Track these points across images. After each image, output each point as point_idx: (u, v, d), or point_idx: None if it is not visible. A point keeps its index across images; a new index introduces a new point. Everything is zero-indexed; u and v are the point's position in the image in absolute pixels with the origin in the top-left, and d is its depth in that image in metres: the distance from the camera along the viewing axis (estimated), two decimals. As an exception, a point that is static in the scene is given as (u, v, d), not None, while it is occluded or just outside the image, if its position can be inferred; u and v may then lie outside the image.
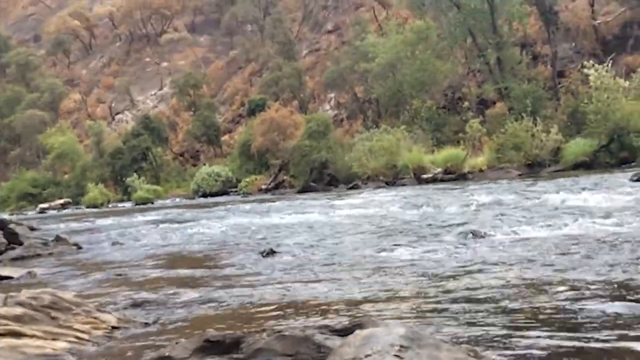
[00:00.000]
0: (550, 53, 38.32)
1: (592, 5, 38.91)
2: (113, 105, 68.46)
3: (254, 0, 66.32)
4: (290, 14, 63.95)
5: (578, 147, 28.09)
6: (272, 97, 50.33)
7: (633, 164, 25.35)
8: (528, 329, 3.87)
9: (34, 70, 70.84)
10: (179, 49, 71.94)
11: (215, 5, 73.06)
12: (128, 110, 67.21)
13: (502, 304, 4.55)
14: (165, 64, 71.22)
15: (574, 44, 39.63)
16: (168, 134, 56.19)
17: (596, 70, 28.21)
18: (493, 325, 4.00)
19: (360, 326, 3.52)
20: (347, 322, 3.70)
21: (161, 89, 67.89)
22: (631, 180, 15.26)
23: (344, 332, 3.54)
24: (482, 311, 4.37)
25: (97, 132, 53.94)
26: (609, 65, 29.27)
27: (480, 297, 4.83)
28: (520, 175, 26.93)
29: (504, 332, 3.83)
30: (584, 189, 13.73)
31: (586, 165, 26.71)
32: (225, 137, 55.11)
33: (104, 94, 71.21)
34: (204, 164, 48.16)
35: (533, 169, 28.58)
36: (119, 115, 67.39)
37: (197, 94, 56.26)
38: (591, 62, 29.39)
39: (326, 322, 4.19)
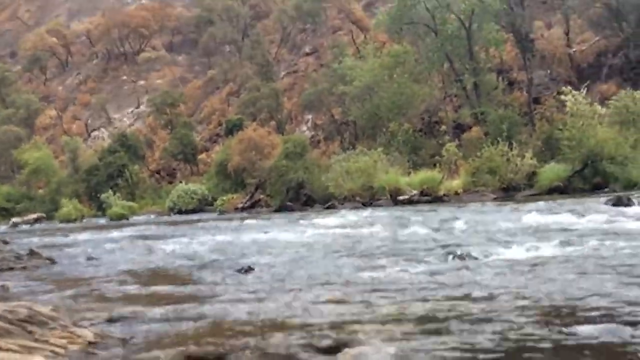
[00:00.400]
0: (526, 79, 38.79)
1: (567, 34, 39.50)
2: (89, 122, 68.04)
3: (233, 21, 66.51)
4: (268, 35, 64.20)
5: (552, 172, 28.37)
6: (249, 117, 50.36)
7: (606, 189, 25.65)
8: (513, 351, 3.86)
9: (10, 86, 70.28)
10: (157, 68, 71.85)
11: (193, 26, 73.11)
12: (104, 127, 66.82)
13: (485, 325, 4.53)
14: (142, 82, 71.06)
15: (549, 71, 40.16)
16: (145, 151, 55.92)
17: (573, 96, 28.55)
18: (479, 347, 3.97)
19: (346, 345, 3.48)
20: (331, 341, 3.64)
21: (138, 107, 67.64)
22: (605, 204, 15.42)
23: (329, 351, 3.50)
24: (464, 334, 4.34)
25: (72, 149, 53.54)
26: (584, 92, 29.68)
27: (463, 319, 4.81)
28: (495, 198, 27.11)
29: (490, 354, 3.81)
30: (559, 212, 13.84)
31: (560, 190, 26.97)
32: (202, 156, 54.98)
33: (80, 111, 70.78)
34: (180, 182, 47.94)
35: (508, 192, 28.80)
36: (95, 132, 66.98)
37: (174, 112, 56.14)
38: (569, 88, 29.76)
39: (309, 340, 4.13)
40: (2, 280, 8.46)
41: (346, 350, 3.20)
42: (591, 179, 27.64)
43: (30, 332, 4.31)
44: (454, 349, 3.96)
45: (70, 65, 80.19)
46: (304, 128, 51.98)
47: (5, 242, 14.38)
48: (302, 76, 56.57)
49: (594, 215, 12.77)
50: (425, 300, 5.65)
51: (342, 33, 58.90)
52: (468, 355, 3.81)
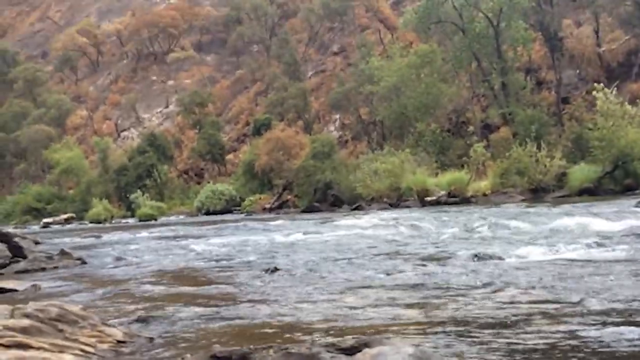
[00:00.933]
0: (554, 79, 38.43)
1: (596, 33, 39.04)
2: (119, 122, 68.70)
3: (261, 21, 66.72)
4: (296, 35, 64.27)
5: (582, 173, 28.01)
6: (277, 117, 50.50)
7: (637, 191, 25.28)
8: (533, 353, 3.87)
9: (41, 86, 71.15)
10: (185, 68, 72.29)
11: (222, 25, 73.48)
12: (134, 127, 67.43)
13: (507, 327, 4.54)
14: (171, 82, 71.58)
15: (578, 71, 39.74)
16: (173, 151, 56.32)
17: (605, 94, 28.13)
18: (499, 348, 4.00)
19: (367, 345, 3.52)
20: (353, 341, 3.69)
21: (167, 106, 68.17)
22: (636, 206, 15.24)
23: (351, 350, 3.54)
24: (487, 334, 4.36)
25: (103, 149, 54.07)
26: (614, 92, 29.26)
27: (486, 320, 4.83)
28: (524, 200, 26.88)
29: (510, 356, 3.83)
30: (588, 214, 13.71)
31: (590, 191, 26.58)
32: (230, 156, 55.22)
33: (110, 110, 71.48)
34: (208, 182, 48.20)
35: (537, 194, 28.50)
36: (125, 132, 67.62)
37: (202, 112, 56.45)
38: (600, 85, 29.30)
39: (332, 340, 4.18)
40: (34, 280, 8.63)
41: (366, 350, 3.25)
42: (622, 180, 27.18)
43: (60, 331, 4.41)
44: (475, 350, 3.99)
45: (101, 65, 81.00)
46: (332, 128, 51.99)
47: (37, 243, 14.62)
48: (329, 75, 56.56)
49: (624, 217, 12.63)
50: (448, 301, 5.67)
51: (370, 32, 58.77)
52: (489, 356, 3.84)
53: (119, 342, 4.57)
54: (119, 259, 11.50)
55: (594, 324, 4.46)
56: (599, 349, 3.89)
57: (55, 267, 10.47)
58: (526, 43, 37.73)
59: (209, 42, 76.23)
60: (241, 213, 39.15)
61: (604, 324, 4.46)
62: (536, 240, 10.08)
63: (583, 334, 4.23)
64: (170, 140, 57.11)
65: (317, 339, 4.44)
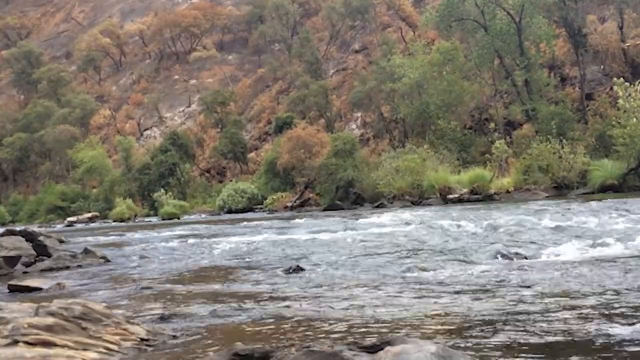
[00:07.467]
0: (578, 75, 38.11)
1: (621, 28, 38.66)
2: (141, 121, 69.16)
3: (282, 19, 66.83)
4: (317, 33, 64.30)
5: (606, 169, 27.77)
6: (298, 115, 50.57)
7: (662, 187, 25.04)
8: (560, 352, 3.84)
9: (65, 86, 71.87)
10: (207, 67, 72.61)
11: (243, 24, 73.76)
12: (156, 126, 67.86)
13: (532, 325, 4.51)
14: (193, 81, 71.93)
15: (602, 67, 39.39)
16: (195, 150, 56.60)
17: (625, 89, 27.83)
18: (525, 348, 3.97)
19: (389, 343, 3.51)
20: (375, 339, 3.68)
21: (189, 106, 68.50)
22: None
23: (373, 349, 3.52)
24: (511, 333, 4.33)
25: (126, 148, 54.48)
26: (639, 88, 28.94)
27: (510, 318, 4.79)
28: (547, 197, 26.71)
29: (535, 354, 3.80)
30: (610, 212, 13.57)
31: (615, 188, 26.39)
32: (252, 154, 55.39)
33: (133, 110, 71.99)
34: (230, 181, 48.38)
35: (560, 190, 28.32)
36: (147, 131, 68.07)
37: (224, 111, 56.68)
38: (621, 79, 29.00)
39: (353, 339, 4.18)
40: (59, 279, 8.71)
41: (388, 348, 3.23)
42: (646, 177, 26.99)
43: (84, 329, 4.43)
44: (497, 347, 3.96)
45: (124, 65, 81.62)
46: (353, 126, 51.97)
47: (61, 241, 14.73)
48: (351, 74, 56.55)
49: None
50: (471, 299, 5.64)
51: (391, 30, 58.67)
52: (512, 354, 3.81)
53: (142, 339, 4.59)
54: (142, 257, 11.56)
55: (619, 322, 4.41)
56: (628, 347, 3.85)
57: (79, 266, 10.56)
58: (548, 39, 37.47)
59: (231, 41, 76.52)
60: (263, 211, 39.24)
61: (630, 323, 4.41)
62: (560, 238, 9.98)
63: (609, 332, 4.18)
64: (193, 139, 57.42)
65: (339, 337, 4.43)
